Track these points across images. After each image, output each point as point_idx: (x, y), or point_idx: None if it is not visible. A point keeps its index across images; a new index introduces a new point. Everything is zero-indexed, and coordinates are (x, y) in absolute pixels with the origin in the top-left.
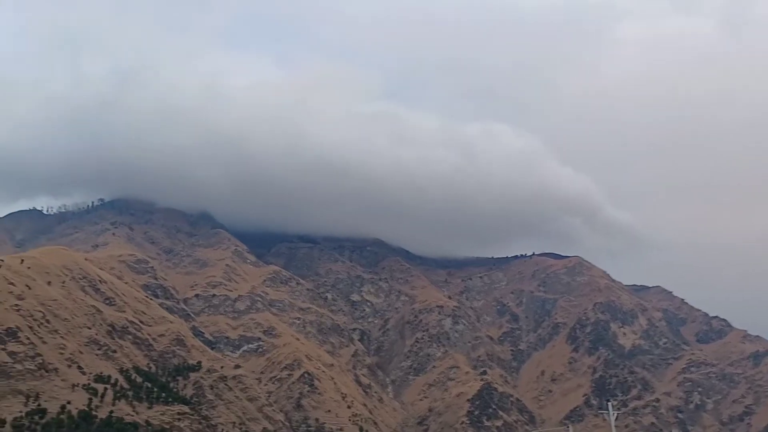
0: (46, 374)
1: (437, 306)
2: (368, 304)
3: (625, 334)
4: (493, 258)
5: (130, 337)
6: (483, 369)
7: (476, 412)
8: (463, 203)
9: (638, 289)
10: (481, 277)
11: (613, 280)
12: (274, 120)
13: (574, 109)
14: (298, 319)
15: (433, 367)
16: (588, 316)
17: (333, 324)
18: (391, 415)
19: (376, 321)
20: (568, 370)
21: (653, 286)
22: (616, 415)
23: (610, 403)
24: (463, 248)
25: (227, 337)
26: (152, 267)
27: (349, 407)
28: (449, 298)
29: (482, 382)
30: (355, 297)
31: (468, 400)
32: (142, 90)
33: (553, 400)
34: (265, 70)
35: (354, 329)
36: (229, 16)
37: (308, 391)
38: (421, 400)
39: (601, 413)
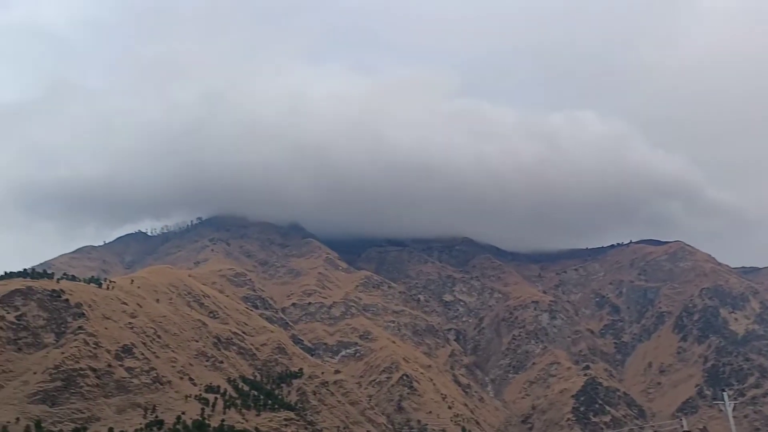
0: (161, 387)
1: (532, 301)
2: (461, 303)
3: (736, 319)
4: (587, 249)
5: (234, 348)
6: (586, 364)
7: (582, 408)
8: (552, 195)
9: (748, 271)
10: (576, 270)
11: (720, 264)
12: (356, 128)
13: (661, 87)
14: (393, 322)
15: (533, 364)
16: (695, 302)
17: (427, 325)
18: (493, 414)
19: (470, 320)
20: (677, 360)
21: (764, 267)
22: (733, 405)
23: (725, 393)
24: (555, 241)
25: (325, 344)
26: (250, 279)
27: (450, 408)
28: (544, 292)
29: (586, 377)
30: (447, 297)
31: (572, 396)
32: (229, 111)
33: (663, 392)
34: (344, 80)
35: (449, 329)
36: (308, 32)
37: (408, 393)
38: (522, 398)
39: (716, 404)
